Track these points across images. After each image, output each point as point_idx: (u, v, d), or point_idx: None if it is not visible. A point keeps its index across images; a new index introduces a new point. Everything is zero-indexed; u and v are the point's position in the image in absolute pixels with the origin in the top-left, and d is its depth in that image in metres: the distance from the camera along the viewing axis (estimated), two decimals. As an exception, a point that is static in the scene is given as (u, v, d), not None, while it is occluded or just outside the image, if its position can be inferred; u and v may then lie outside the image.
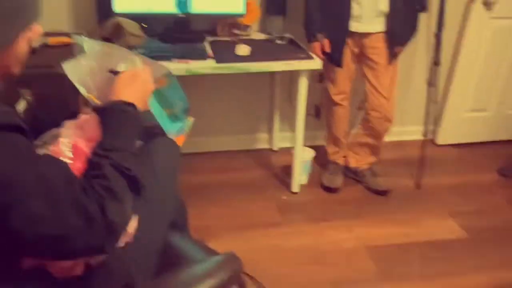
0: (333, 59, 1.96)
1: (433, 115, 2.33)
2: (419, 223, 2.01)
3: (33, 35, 0.81)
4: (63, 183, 0.71)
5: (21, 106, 1.59)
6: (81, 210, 0.71)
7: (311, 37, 1.92)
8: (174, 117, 1.29)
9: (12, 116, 0.69)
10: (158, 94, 1.18)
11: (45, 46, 1.83)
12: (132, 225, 0.93)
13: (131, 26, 1.83)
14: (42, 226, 0.68)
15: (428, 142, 2.39)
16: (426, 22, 2.30)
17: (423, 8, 1.91)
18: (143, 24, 1.97)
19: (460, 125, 2.65)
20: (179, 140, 1.27)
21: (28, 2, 0.77)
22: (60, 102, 1.63)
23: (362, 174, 2.25)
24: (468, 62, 2.47)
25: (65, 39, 1.85)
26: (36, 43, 1.84)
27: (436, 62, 2.13)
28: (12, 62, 0.80)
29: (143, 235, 0.95)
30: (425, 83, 2.27)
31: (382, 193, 2.19)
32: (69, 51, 1.80)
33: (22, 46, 0.80)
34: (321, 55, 1.93)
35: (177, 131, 1.29)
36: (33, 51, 1.86)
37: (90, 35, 1.94)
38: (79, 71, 1.07)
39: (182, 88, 1.22)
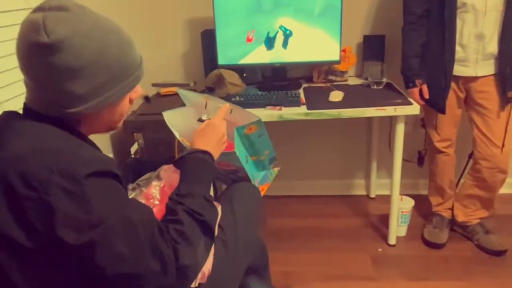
0: (435, 105, 1.85)
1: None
2: (543, 293, 1.70)
3: (135, 94, 0.92)
4: (145, 228, 0.78)
5: (134, 148, 1.82)
6: (157, 253, 0.78)
7: (409, 83, 1.85)
8: (260, 165, 1.34)
9: (110, 165, 0.79)
10: (247, 140, 1.25)
11: (158, 95, 2.08)
12: (207, 266, 0.98)
13: (231, 76, 1.98)
14: (122, 265, 0.75)
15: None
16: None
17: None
18: (244, 74, 2.13)
19: None
20: (263, 189, 1.31)
21: (134, 67, 0.88)
22: (165, 146, 1.83)
23: (472, 230, 2.01)
24: None
25: (175, 89, 2.08)
26: (150, 94, 2.11)
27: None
28: (117, 118, 0.92)
29: (217, 277, 0.99)
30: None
31: (496, 253, 1.92)
32: (178, 100, 2.02)
33: (126, 104, 0.91)
34: (421, 102, 1.84)
35: (261, 179, 1.34)
36: (147, 100, 2.13)
37: (197, 85, 2.16)
38: (176, 118, 1.20)
39: (270, 139, 1.27)
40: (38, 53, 0.76)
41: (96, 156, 0.79)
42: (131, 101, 0.93)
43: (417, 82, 1.83)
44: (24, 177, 0.72)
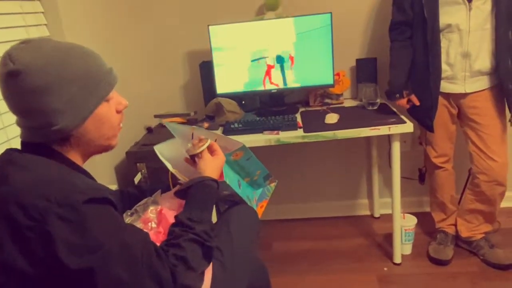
0: (424, 124, 1.89)
1: None
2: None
3: (120, 106, 0.96)
4: (142, 252, 0.82)
5: (137, 178, 1.87)
6: (155, 276, 0.81)
7: (395, 95, 1.91)
8: (255, 184, 1.39)
9: (104, 192, 0.84)
10: (236, 165, 1.30)
11: (160, 126, 2.15)
12: (207, 285, 1.01)
13: (230, 104, 2.06)
14: None
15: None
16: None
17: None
18: (243, 102, 2.20)
19: None
20: (262, 205, 1.35)
21: (102, 74, 0.90)
22: (168, 175, 1.88)
23: (477, 245, 2.00)
24: None
25: (177, 119, 2.15)
26: (152, 125, 2.18)
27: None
28: (105, 132, 0.94)
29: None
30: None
31: (503, 267, 1.90)
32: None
33: (111, 116, 0.94)
34: (407, 105, 1.91)
35: (259, 197, 1.38)
36: (150, 131, 2.19)
37: (198, 114, 2.24)
38: (167, 150, 1.25)
39: (258, 159, 1.32)
40: (10, 82, 0.83)
41: (90, 184, 0.84)
42: (118, 112, 0.96)
43: (404, 93, 1.89)
44: (24, 209, 0.77)
